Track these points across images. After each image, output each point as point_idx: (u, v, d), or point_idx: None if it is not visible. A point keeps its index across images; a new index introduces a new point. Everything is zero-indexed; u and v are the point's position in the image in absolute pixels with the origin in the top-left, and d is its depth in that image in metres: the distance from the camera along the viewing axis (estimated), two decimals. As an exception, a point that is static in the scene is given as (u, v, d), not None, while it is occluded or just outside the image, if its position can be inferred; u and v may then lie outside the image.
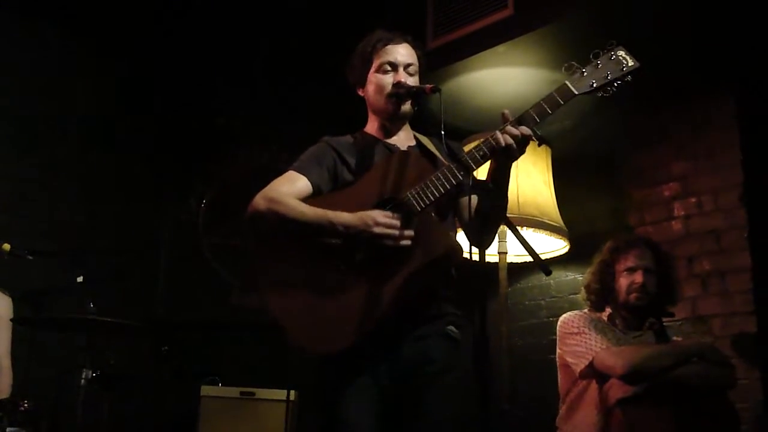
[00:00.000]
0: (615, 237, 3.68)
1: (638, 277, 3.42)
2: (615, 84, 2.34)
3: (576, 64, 2.36)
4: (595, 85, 2.33)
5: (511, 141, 2.30)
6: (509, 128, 2.31)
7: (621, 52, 2.35)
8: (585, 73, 2.34)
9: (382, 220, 2.30)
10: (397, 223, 2.31)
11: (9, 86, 4.91)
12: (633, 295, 3.42)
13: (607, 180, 4.44)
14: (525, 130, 2.31)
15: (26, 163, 4.94)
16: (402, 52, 2.63)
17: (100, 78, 5.37)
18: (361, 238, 2.31)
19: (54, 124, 5.09)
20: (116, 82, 5.44)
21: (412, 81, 2.61)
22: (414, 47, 2.69)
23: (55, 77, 5.15)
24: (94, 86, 5.33)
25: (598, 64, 2.35)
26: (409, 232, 2.31)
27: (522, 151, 2.34)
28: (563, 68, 2.37)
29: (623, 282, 3.45)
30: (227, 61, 5.39)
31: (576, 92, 2.33)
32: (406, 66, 2.62)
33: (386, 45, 2.63)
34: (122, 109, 5.43)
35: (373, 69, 2.64)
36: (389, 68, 2.61)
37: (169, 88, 5.58)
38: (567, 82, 2.35)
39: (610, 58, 2.35)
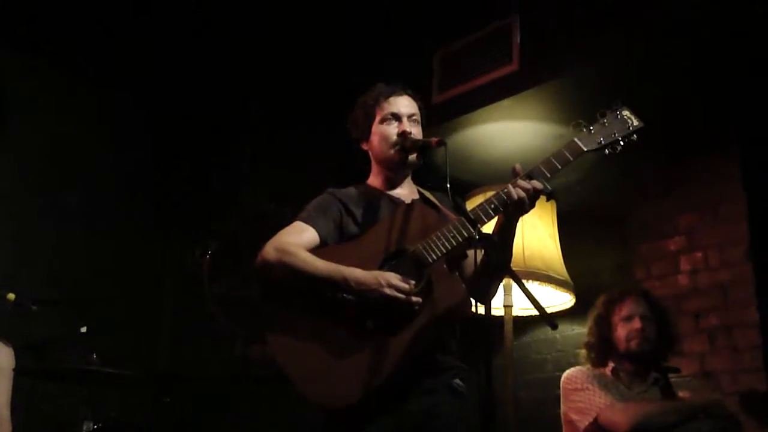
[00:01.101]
0: (607, 291, 3.68)
1: (636, 323, 3.42)
2: (621, 143, 2.37)
3: (583, 122, 2.40)
4: (603, 143, 2.38)
5: (523, 195, 2.31)
6: (521, 182, 2.33)
7: (626, 112, 2.41)
8: (593, 131, 2.39)
9: (395, 282, 2.30)
10: (408, 287, 2.30)
11: (17, 135, 4.96)
12: (634, 342, 3.40)
13: (613, 234, 4.44)
14: (537, 184, 2.33)
15: (30, 212, 4.96)
16: (404, 103, 2.69)
17: (106, 127, 5.42)
18: (371, 297, 2.31)
19: (59, 173, 5.13)
20: (121, 131, 5.49)
21: (416, 131, 2.65)
22: (414, 99, 2.74)
23: (69, 125, 5.21)
24: (100, 135, 5.37)
25: (605, 122, 2.39)
26: (417, 299, 2.30)
27: (532, 206, 2.36)
28: (571, 126, 2.41)
29: (621, 332, 3.44)
30: (231, 112, 5.45)
31: (585, 149, 2.37)
32: (410, 116, 2.66)
33: (389, 97, 2.69)
34: (127, 158, 5.47)
35: (376, 121, 2.68)
36: (393, 119, 2.65)
37: (174, 138, 5.63)
38: (576, 139, 2.38)
39: (616, 117, 2.40)
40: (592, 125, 2.39)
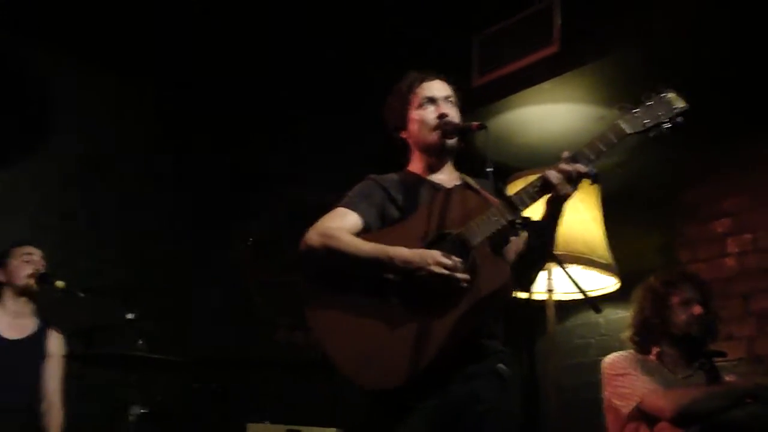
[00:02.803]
0: (659, 272, 3.62)
1: (698, 309, 3.35)
2: (666, 125, 2.34)
3: (627, 105, 2.36)
4: (647, 125, 2.33)
5: (565, 178, 2.29)
6: (563, 165, 2.31)
7: (671, 94, 2.36)
8: (637, 114, 2.35)
9: (441, 259, 2.28)
10: (455, 264, 2.28)
11: (61, 125, 5.06)
12: (695, 327, 3.33)
13: (658, 216, 4.38)
14: (580, 167, 2.30)
15: (79, 202, 5.06)
16: (438, 86, 2.69)
17: (149, 119, 5.50)
18: (418, 275, 2.30)
19: (105, 163, 5.22)
20: (165, 123, 5.57)
21: (453, 112, 2.65)
22: (447, 83, 2.73)
23: (107, 117, 5.29)
24: (144, 127, 5.46)
25: (650, 105, 2.35)
26: (465, 276, 2.29)
27: (575, 189, 2.33)
28: (615, 108, 2.37)
29: (681, 315, 3.37)
30: (273, 100, 5.47)
31: (629, 132, 2.33)
32: (445, 98, 2.66)
33: (422, 82, 2.69)
34: (171, 149, 5.54)
35: (413, 107, 2.67)
36: (429, 103, 2.65)
37: (215, 128, 5.68)
38: (620, 122, 2.35)
39: (661, 100, 2.35)
40: (636, 108, 2.35)
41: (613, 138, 2.33)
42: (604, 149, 2.33)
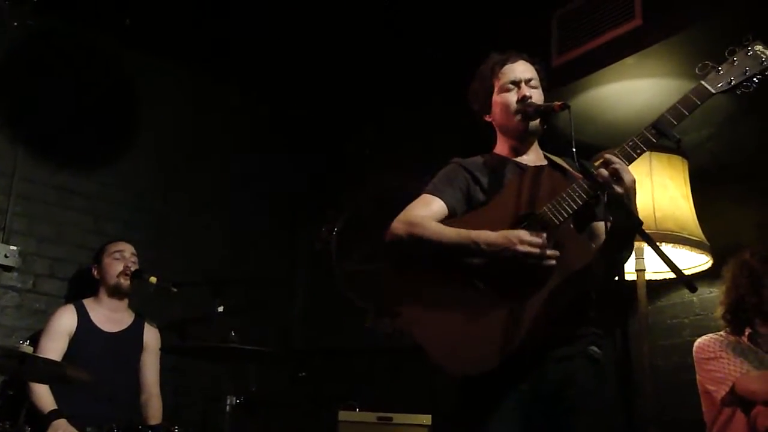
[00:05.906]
0: (755, 249, 3.48)
1: None
2: (754, 79, 2.24)
3: (710, 63, 2.28)
4: (733, 82, 2.25)
5: (610, 176, 2.22)
6: (602, 170, 2.23)
7: (758, 47, 2.27)
8: (721, 71, 2.27)
9: (527, 238, 2.27)
10: (541, 241, 2.27)
11: (157, 125, 5.20)
12: None
13: (751, 190, 4.21)
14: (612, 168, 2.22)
15: (170, 199, 5.20)
16: (520, 69, 2.66)
17: (239, 118, 5.62)
18: (504, 256, 2.28)
19: (196, 161, 5.35)
20: (251, 118, 5.67)
21: (536, 95, 2.62)
22: (530, 63, 2.70)
23: (199, 117, 5.43)
24: (235, 126, 5.58)
25: (735, 60, 2.27)
26: (554, 252, 2.27)
27: (626, 182, 2.22)
28: (697, 68, 2.29)
29: None
30: (354, 91, 5.50)
31: (713, 91, 2.26)
32: (527, 81, 2.63)
33: (504, 65, 2.67)
34: (257, 145, 5.64)
35: (496, 91, 2.66)
36: (511, 86, 2.62)
37: (299, 121, 5.75)
38: (703, 82, 2.28)
39: (747, 54, 2.27)
40: (720, 65, 2.27)
41: (696, 100, 2.26)
42: (687, 113, 2.26)
